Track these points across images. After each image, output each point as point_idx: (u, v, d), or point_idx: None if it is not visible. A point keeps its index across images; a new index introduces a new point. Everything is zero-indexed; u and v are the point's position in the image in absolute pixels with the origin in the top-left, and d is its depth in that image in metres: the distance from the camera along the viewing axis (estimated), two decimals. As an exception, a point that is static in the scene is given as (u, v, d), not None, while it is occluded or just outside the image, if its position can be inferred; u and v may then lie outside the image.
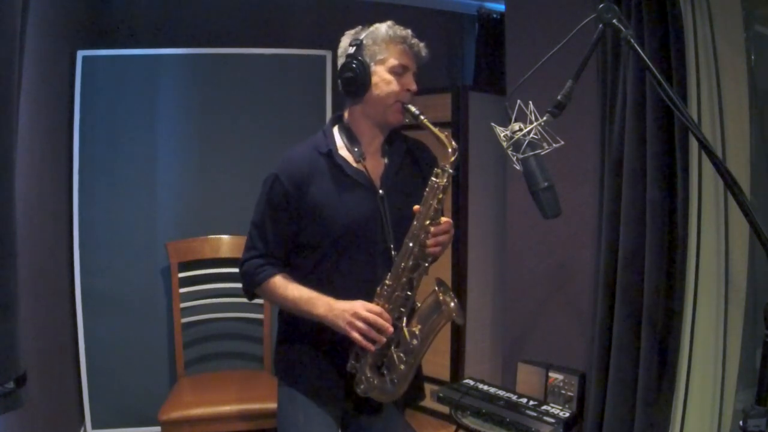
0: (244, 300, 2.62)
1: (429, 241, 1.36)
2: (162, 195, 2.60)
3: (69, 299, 2.51)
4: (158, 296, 2.59)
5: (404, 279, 1.37)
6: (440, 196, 1.36)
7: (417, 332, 1.37)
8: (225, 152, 2.65)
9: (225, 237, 2.59)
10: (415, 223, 1.37)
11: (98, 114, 2.52)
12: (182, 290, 2.52)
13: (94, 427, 2.53)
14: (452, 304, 1.37)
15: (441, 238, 1.38)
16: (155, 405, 2.18)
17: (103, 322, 2.53)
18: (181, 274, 2.52)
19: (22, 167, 1.83)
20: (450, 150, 1.37)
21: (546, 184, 1.26)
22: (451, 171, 1.36)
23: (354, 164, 1.45)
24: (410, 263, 1.37)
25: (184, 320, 2.53)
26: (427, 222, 1.36)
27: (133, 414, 2.56)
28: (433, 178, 1.37)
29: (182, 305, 2.51)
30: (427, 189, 1.37)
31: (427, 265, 1.39)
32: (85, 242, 2.52)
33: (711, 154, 1.06)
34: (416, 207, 1.37)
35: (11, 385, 1.32)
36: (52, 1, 2.24)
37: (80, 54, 2.49)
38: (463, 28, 3.60)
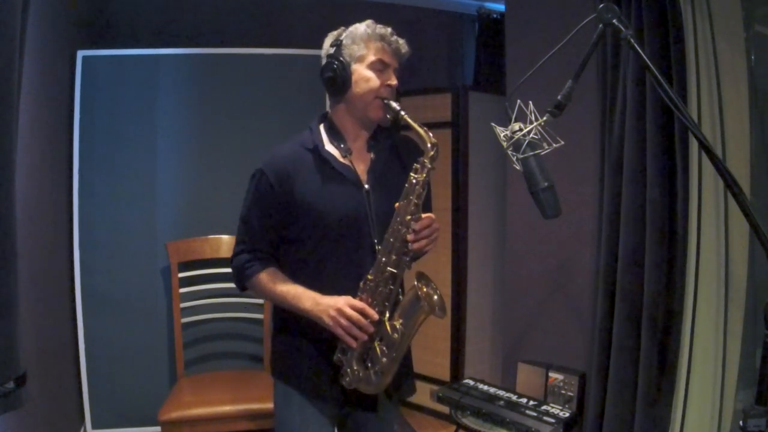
0: (244, 300, 2.61)
1: (409, 236, 1.37)
2: (162, 195, 2.60)
3: (69, 299, 2.51)
4: (158, 296, 2.59)
5: (386, 274, 1.38)
6: (420, 191, 1.37)
7: (398, 326, 1.38)
8: (225, 152, 2.65)
9: (225, 237, 2.58)
10: (396, 218, 1.38)
11: (98, 114, 2.52)
12: (182, 290, 2.52)
13: (94, 427, 2.53)
14: (435, 297, 1.38)
15: (423, 233, 1.39)
16: (155, 405, 2.18)
17: (103, 322, 2.53)
18: (181, 274, 2.52)
19: (22, 167, 1.83)
20: (429, 145, 1.37)
21: (546, 184, 1.27)
22: (429, 166, 1.37)
23: (341, 159, 1.46)
24: (392, 258, 1.38)
25: (184, 320, 2.53)
26: (408, 217, 1.37)
27: (133, 414, 2.55)
28: (412, 174, 1.38)
29: (182, 305, 2.51)
30: (406, 185, 1.39)
31: (408, 259, 1.40)
32: (85, 242, 2.52)
33: (711, 154, 1.06)
34: (397, 204, 1.39)
35: (11, 385, 1.32)
36: (52, 1, 2.24)
37: (80, 54, 2.49)
38: (463, 28, 3.60)
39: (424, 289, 1.38)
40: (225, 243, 2.58)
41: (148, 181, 2.59)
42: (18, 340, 1.35)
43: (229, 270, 2.50)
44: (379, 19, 1.48)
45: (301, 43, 2.74)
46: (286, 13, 3.13)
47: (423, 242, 1.39)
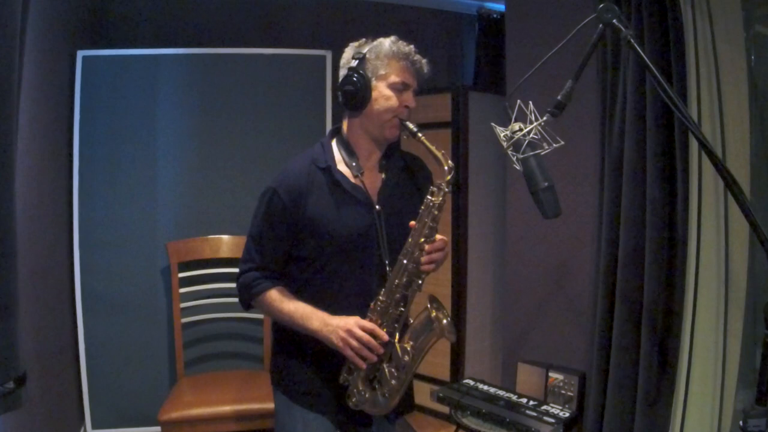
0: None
1: (423, 258, 1.37)
2: (162, 195, 2.60)
3: (69, 299, 2.51)
4: (158, 296, 2.59)
5: (398, 295, 1.39)
6: (435, 213, 1.37)
7: (409, 349, 1.39)
8: (225, 152, 2.65)
9: (225, 237, 2.59)
10: (410, 240, 1.38)
11: (98, 114, 2.52)
12: (182, 290, 2.52)
13: (94, 427, 2.53)
14: (444, 321, 1.38)
15: (435, 256, 1.39)
16: (155, 405, 2.18)
17: (103, 323, 2.53)
18: (181, 274, 2.52)
19: (22, 167, 1.83)
20: (446, 168, 1.37)
21: (546, 184, 1.27)
22: (446, 190, 1.37)
23: (352, 179, 1.45)
24: (404, 280, 1.38)
25: (184, 320, 2.53)
26: (422, 240, 1.37)
27: (133, 414, 2.56)
28: (429, 197, 1.38)
29: (182, 305, 2.52)
30: (422, 207, 1.38)
31: (420, 282, 1.40)
32: (85, 242, 2.52)
33: (711, 154, 1.06)
34: (412, 223, 1.38)
35: (11, 385, 1.32)
36: (52, 1, 2.24)
37: (80, 54, 2.49)
38: (463, 28, 3.60)
39: (435, 313, 1.38)
40: (225, 243, 2.58)
41: (149, 181, 2.59)
42: (18, 340, 1.35)
43: (228, 270, 2.55)
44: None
45: (301, 43, 2.74)
46: (286, 13, 3.13)
47: (432, 266, 1.39)
